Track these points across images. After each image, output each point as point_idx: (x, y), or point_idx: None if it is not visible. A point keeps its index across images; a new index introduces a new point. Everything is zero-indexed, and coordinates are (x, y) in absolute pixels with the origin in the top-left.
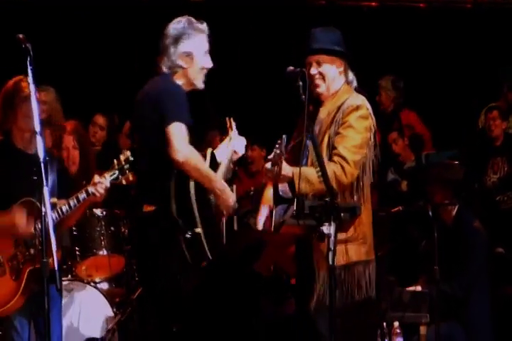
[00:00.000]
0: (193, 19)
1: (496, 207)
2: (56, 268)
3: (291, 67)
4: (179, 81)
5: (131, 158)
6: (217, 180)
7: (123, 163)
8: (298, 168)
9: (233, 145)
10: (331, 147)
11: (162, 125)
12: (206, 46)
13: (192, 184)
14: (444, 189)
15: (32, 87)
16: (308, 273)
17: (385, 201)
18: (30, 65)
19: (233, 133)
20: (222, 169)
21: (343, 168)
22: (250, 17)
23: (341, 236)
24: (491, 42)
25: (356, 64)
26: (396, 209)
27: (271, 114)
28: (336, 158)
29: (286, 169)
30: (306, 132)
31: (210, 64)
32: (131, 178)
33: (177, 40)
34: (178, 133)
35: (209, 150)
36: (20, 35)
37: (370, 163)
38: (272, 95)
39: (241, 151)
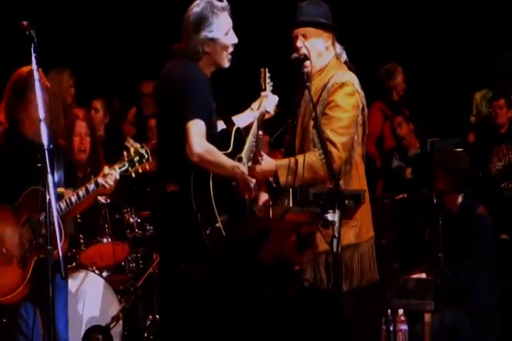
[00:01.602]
0: None
1: (501, 194)
2: (61, 257)
3: (296, 54)
4: (203, 64)
5: (141, 151)
6: (234, 167)
7: (133, 154)
8: (281, 161)
9: (265, 105)
10: None
11: (182, 118)
12: (229, 24)
13: (211, 177)
14: (447, 176)
15: (36, 74)
16: None
17: (390, 188)
18: (34, 52)
19: (266, 92)
20: (248, 143)
21: (331, 153)
22: (247, 14)
23: None
24: (490, 29)
25: (353, 52)
26: (400, 196)
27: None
28: None
29: (270, 164)
30: (314, 113)
31: (234, 40)
32: (140, 170)
33: (198, 26)
34: (194, 130)
35: (234, 128)
36: (25, 22)
37: (358, 141)
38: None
39: (272, 110)
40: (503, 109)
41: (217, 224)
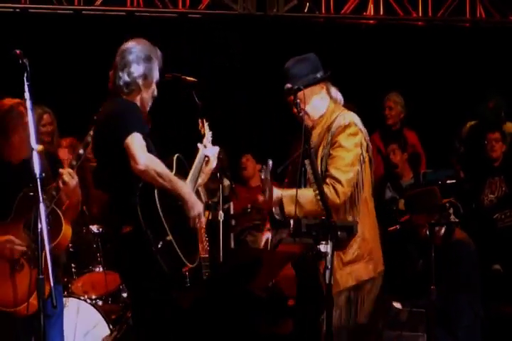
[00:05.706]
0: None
1: (493, 226)
2: (52, 286)
3: (289, 85)
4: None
5: None
6: (181, 185)
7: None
8: (287, 191)
9: (205, 151)
10: (324, 169)
11: (120, 139)
12: (158, 76)
13: (156, 192)
14: (429, 216)
15: (29, 103)
16: (313, 295)
17: (383, 219)
18: (27, 81)
19: (205, 139)
20: (192, 173)
21: (335, 189)
22: (247, 34)
23: (347, 257)
24: (489, 61)
25: (352, 81)
26: (393, 227)
27: (268, 127)
28: (328, 180)
29: (276, 193)
30: (303, 147)
31: (155, 93)
32: None
33: (141, 59)
34: (135, 143)
35: (175, 156)
36: (18, 51)
37: (366, 178)
38: (268, 110)
39: (214, 161)
40: (498, 143)
41: (168, 238)
